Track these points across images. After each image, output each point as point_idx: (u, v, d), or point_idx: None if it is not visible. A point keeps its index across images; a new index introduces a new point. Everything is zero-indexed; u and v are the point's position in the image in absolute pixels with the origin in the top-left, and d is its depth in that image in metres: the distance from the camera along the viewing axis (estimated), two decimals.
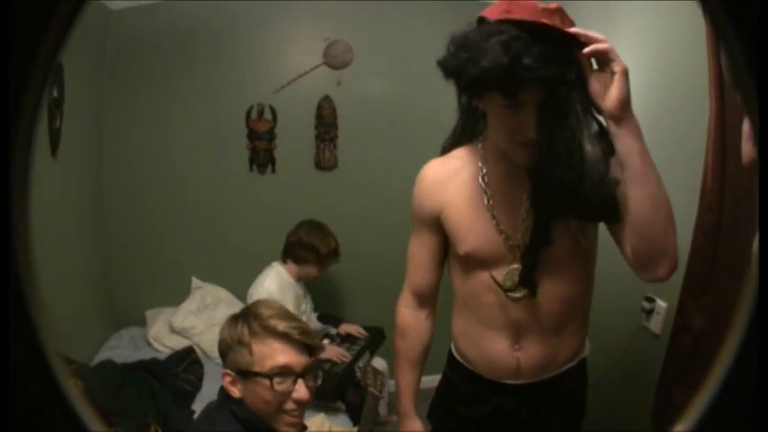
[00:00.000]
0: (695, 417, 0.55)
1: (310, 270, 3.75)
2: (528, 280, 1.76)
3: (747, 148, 1.11)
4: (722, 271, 2.14)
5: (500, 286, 1.79)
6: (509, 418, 1.94)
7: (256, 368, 1.69)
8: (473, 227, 1.81)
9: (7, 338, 0.51)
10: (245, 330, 1.71)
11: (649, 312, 2.62)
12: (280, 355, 1.71)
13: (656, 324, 2.59)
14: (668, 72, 2.54)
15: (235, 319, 1.77)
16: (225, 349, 1.76)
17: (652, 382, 2.41)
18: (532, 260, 1.73)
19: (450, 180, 1.85)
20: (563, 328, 1.87)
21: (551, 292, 1.79)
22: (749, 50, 0.50)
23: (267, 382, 1.68)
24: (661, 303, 2.56)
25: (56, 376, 0.53)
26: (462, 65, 1.50)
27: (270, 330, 1.71)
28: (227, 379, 1.73)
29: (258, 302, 1.85)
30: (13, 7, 0.47)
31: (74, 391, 0.55)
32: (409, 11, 4.33)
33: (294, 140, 4.39)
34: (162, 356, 3.68)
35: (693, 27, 2.15)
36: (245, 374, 1.70)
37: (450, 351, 2.10)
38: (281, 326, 1.71)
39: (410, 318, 2.05)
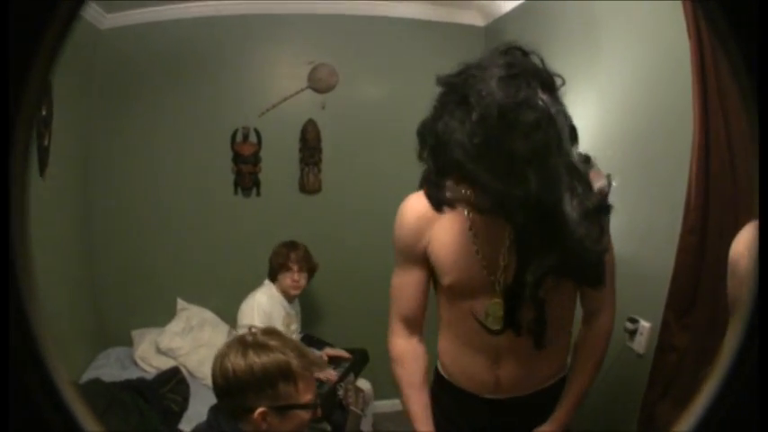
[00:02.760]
0: (692, 421, 0.56)
1: (286, 281, 3.80)
2: (512, 321, 1.77)
3: None
4: (706, 290, 2.15)
5: (483, 326, 1.82)
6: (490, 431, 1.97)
7: (302, 400, 1.76)
8: (457, 260, 1.83)
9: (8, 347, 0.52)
10: (290, 368, 1.74)
11: (633, 333, 2.63)
12: (312, 383, 1.81)
13: (639, 344, 2.59)
14: (651, 88, 2.55)
15: (265, 354, 1.75)
16: (258, 386, 1.73)
17: (637, 402, 2.42)
18: (516, 302, 1.75)
19: (435, 214, 1.84)
20: (542, 351, 1.89)
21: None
22: (747, 52, 0.51)
23: (314, 410, 1.79)
24: (644, 324, 2.57)
25: (55, 383, 0.55)
26: (430, 153, 1.53)
27: (311, 367, 1.80)
28: (260, 417, 1.72)
29: (274, 336, 1.84)
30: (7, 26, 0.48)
31: (73, 396, 0.56)
32: (394, 35, 4.39)
33: (279, 164, 4.42)
34: (148, 376, 3.67)
35: (679, 44, 2.16)
36: (286, 408, 1.74)
37: (435, 368, 2.13)
38: (318, 362, 1.84)
39: (404, 346, 2.04)
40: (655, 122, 2.53)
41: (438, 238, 1.86)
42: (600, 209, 1.60)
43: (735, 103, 1.93)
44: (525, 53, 1.56)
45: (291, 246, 3.84)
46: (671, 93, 2.37)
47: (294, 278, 3.81)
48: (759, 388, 0.53)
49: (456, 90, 1.47)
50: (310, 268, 3.90)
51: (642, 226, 2.59)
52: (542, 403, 1.96)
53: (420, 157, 1.56)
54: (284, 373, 1.72)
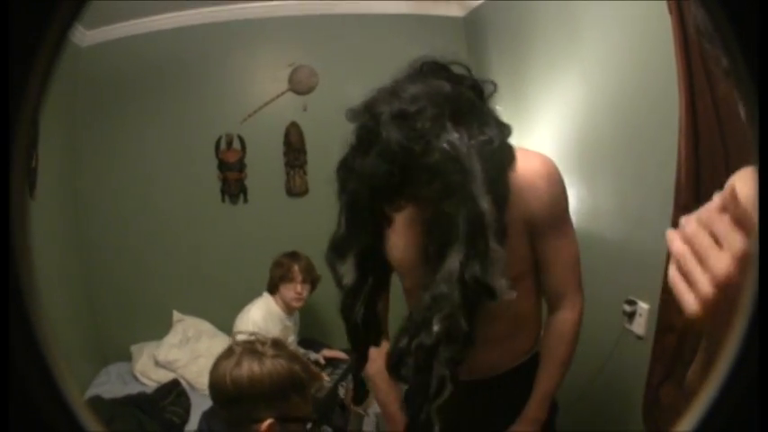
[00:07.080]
0: (695, 418, 0.54)
1: (288, 293, 3.77)
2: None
3: None
4: None
5: None
6: (465, 410, 1.94)
7: (305, 412, 1.75)
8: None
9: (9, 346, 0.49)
10: (302, 380, 1.73)
11: (631, 315, 2.60)
12: (310, 395, 1.79)
13: (639, 326, 2.57)
14: (636, 69, 2.51)
15: (280, 365, 1.72)
16: (272, 397, 1.69)
17: (640, 385, 2.40)
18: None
19: None
20: (508, 337, 1.92)
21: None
22: (746, 46, 0.50)
23: (312, 421, 1.77)
24: (643, 305, 2.54)
25: (58, 381, 0.52)
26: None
27: (314, 379, 1.80)
28: (268, 429, 1.69)
29: (283, 347, 1.81)
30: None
31: (76, 396, 0.54)
32: (372, 31, 4.39)
33: (264, 169, 4.42)
34: (149, 390, 3.68)
35: (660, 20, 2.14)
36: (291, 420, 1.72)
37: None
38: (318, 374, 1.85)
39: None
40: (642, 103, 2.51)
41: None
42: (479, 289, 1.53)
43: (720, 77, 1.92)
44: (443, 66, 1.57)
45: (294, 256, 3.81)
46: (656, 72, 2.35)
47: (297, 290, 3.78)
48: (759, 389, 0.52)
49: (362, 129, 1.56)
50: (313, 280, 3.84)
51: (635, 207, 2.58)
52: (515, 381, 1.97)
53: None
54: (297, 386, 1.71)
